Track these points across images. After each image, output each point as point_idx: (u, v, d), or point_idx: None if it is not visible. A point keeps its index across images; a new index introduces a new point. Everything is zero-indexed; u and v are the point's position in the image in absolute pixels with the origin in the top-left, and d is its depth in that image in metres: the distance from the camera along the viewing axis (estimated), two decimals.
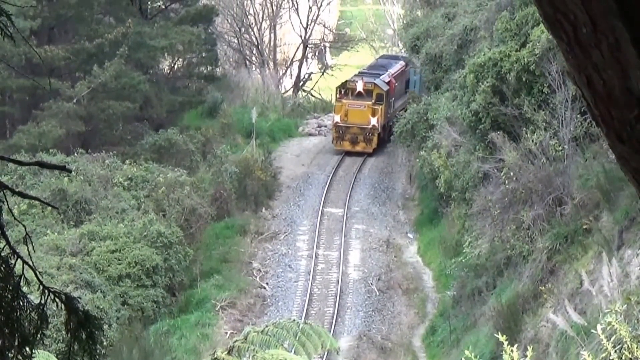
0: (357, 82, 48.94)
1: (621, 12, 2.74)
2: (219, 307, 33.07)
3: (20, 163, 13.04)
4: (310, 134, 54.78)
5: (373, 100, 48.61)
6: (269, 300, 34.46)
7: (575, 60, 2.89)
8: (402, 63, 52.63)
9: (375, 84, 48.78)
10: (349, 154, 48.99)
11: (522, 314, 23.88)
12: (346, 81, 50.13)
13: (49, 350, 17.39)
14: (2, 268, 5.59)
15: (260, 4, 67.15)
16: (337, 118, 48.95)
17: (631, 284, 17.43)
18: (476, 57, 31.03)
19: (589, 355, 11.63)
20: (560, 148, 26.45)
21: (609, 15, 2.75)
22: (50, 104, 39.47)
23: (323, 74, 69.48)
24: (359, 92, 48.58)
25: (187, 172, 39.15)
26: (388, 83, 49.80)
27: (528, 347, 12.53)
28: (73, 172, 35.28)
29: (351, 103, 48.64)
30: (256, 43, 67.27)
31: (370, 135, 48.80)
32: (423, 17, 45.47)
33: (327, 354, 28.77)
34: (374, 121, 48.59)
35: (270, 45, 68.88)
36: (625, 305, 13.37)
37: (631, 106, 2.81)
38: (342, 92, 49.34)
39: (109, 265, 30.67)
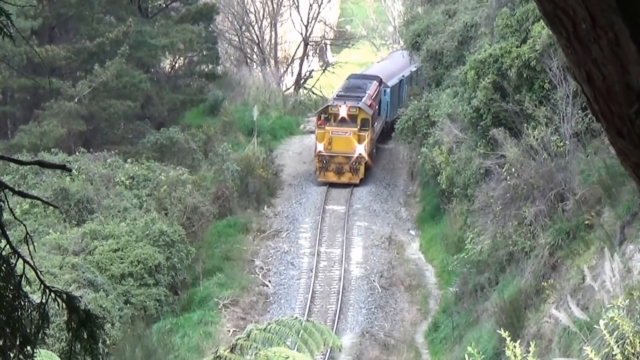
0: (340, 106, 44.72)
1: (620, 7, 2.74)
2: (221, 305, 33.09)
3: (20, 162, 13.07)
4: (312, 132, 54.72)
5: (358, 126, 44.61)
6: (271, 298, 34.47)
7: (575, 55, 2.90)
8: (375, 83, 48.52)
9: (360, 108, 44.78)
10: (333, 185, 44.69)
11: (525, 310, 23.87)
12: (328, 106, 45.82)
13: (52, 350, 17.39)
14: (3, 268, 5.59)
15: (260, 2, 67.18)
16: (320, 147, 44.55)
17: (633, 279, 17.43)
18: (477, 54, 31.03)
19: (591, 351, 11.63)
20: (561, 144, 26.44)
21: (609, 10, 2.75)
22: (51, 103, 39.50)
23: (324, 71, 69.51)
24: (343, 117, 44.54)
25: (188, 171, 39.19)
26: (370, 106, 45.87)
27: (531, 342, 12.53)
28: (75, 172, 35.33)
29: (335, 130, 44.43)
30: (257, 41, 67.28)
31: (356, 164, 44.56)
32: (423, 14, 45.44)
33: (330, 352, 28.78)
34: (360, 149, 44.47)
35: (271, 43, 68.90)
36: (628, 300, 13.36)
37: (631, 101, 2.81)
38: (324, 118, 45.13)
39: (111, 264, 30.68)
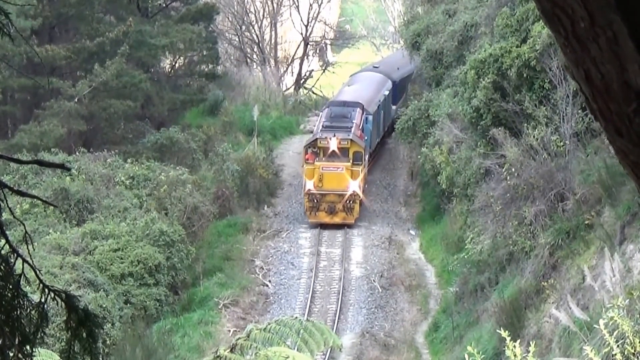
0: (330, 139, 40.37)
1: (619, 5, 2.74)
2: (221, 305, 33.10)
3: (19, 162, 13.07)
4: (312, 132, 54.66)
5: (351, 161, 40.28)
6: (271, 297, 34.49)
7: (574, 54, 2.89)
8: (359, 111, 43.49)
9: (352, 140, 40.46)
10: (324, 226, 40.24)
11: (525, 310, 23.89)
12: (316, 139, 40.99)
13: (52, 350, 17.39)
14: (2, 267, 5.59)
15: (261, 2, 67.16)
16: (309, 184, 40.10)
17: (633, 279, 17.44)
18: (477, 53, 31.03)
19: (591, 351, 11.63)
20: (561, 143, 26.46)
21: (607, 9, 2.75)
22: (51, 103, 39.51)
23: (324, 71, 69.51)
24: (333, 151, 40.34)
25: (188, 171, 39.17)
26: (360, 137, 41.67)
27: (531, 342, 12.54)
28: (75, 171, 35.36)
29: (325, 165, 40.07)
30: (257, 41, 67.26)
31: (350, 203, 40.17)
32: (423, 14, 45.38)
33: (330, 352, 28.79)
34: (354, 186, 40.11)
35: (271, 42, 68.87)
36: (628, 300, 13.37)
37: (629, 100, 2.81)
38: (312, 152, 40.74)
39: (111, 264, 30.70)
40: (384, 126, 48.16)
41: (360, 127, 42.43)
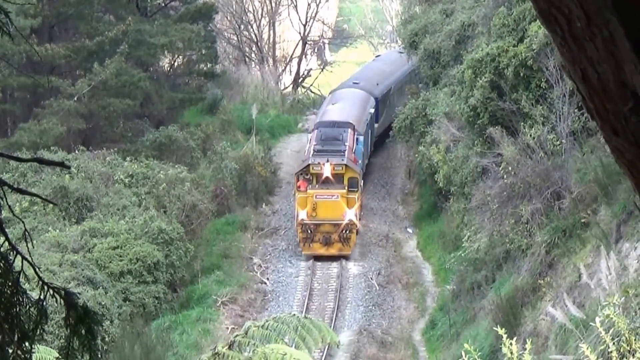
0: (323, 165, 37.58)
1: (615, 5, 2.77)
2: (220, 302, 33.12)
3: (19, 160, 13.13)
4: (310, 130, 54.60)
5: (346, 187, 37.60)
6: (269, 295, 34.51)
7: (570, 54, 2.93)
8: (350, 132, 40.38)
9: (346, 165, 37.74)
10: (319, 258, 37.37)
11: (521, 308, 23.92)
12: (308, 165, 38.00)
13: (51, 347, 17.41)
14: (1, 264, 5.63)
15: (259, 1, 67.13)
16: (303, 214, 37.20)
17: (629, 277, 17.49)
18: (474, 53, 31.04)
19: (587, 348, 11.67)
20: (558, 142, 26.50)
21: (603, 9, 2.78)
22: (51, 101, 39.50)
23: (322, 70, 69.51)
24: (327, 177, 37.65)
25: (187, 169, 39.17)
26: (354, 162, 39.07)
27: (527, 340, 12.57)
28: (74, 170, 35.37)
29: (319, 193, 37.28)
30: (255, 40, 67.22)
31: (347, 232, 37.32)
32: (421, 13, 45.36)
33: (328, 349, 28.82)
34: (350, 214, 37.31)
35: (269, 42, 68.83)
36: (623, 298, 13.42)
37: (625, 99, 2.84)
38: (304, 180, 37.93)
39: (110, 262, 30.72)
40: (370, 146, 46.20)
41: (354, 150, 39.98)
